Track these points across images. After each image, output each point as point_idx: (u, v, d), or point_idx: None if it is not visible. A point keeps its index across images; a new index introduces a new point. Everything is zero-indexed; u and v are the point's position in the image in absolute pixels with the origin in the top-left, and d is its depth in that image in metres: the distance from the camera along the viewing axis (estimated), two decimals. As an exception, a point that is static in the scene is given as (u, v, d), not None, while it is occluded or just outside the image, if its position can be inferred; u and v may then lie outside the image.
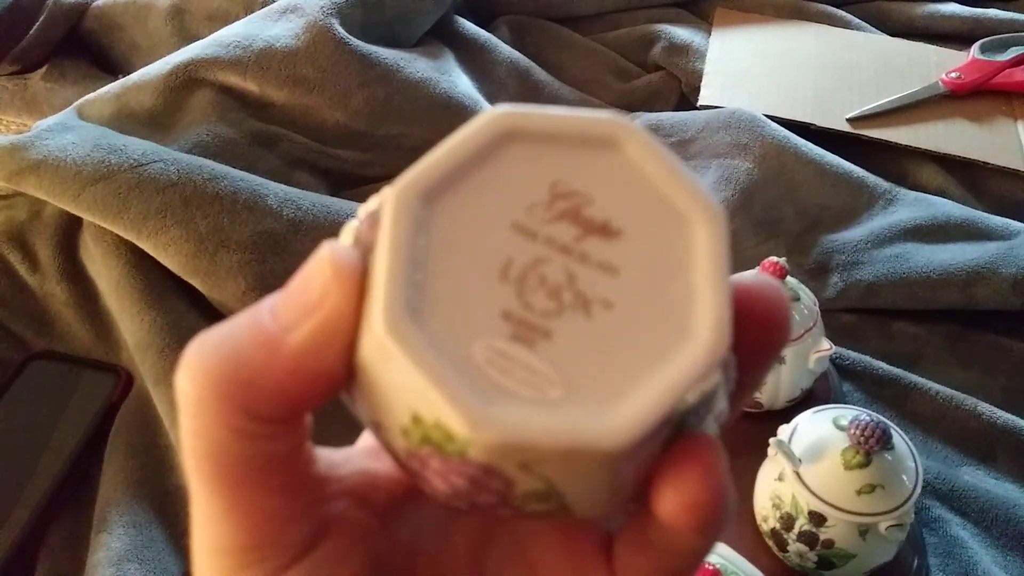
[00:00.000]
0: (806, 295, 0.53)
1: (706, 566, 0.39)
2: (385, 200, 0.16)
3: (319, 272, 0.15)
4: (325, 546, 0.17)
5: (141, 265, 0.58)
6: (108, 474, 0.53)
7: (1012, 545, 0.50)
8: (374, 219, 0.16)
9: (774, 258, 0.52)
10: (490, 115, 0.16)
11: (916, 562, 0.49)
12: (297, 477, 0.17)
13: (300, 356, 0.15)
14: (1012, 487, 0.53)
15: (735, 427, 0.58)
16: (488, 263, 0.15)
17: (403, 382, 0.15)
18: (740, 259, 0.64)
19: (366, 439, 0.20)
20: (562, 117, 0.16)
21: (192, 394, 0.16)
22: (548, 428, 0.14)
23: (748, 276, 0.16)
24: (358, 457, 0.20)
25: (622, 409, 0.14)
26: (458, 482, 0.15)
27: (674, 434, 0.15)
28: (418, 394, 0.14)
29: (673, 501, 0.15)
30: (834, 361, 0.59)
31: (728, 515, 0.15)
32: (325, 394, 0.16)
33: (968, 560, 0.49)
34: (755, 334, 0.16)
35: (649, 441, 0.14)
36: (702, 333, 0.15)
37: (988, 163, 0.71)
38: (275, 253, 0.58)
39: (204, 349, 0.16)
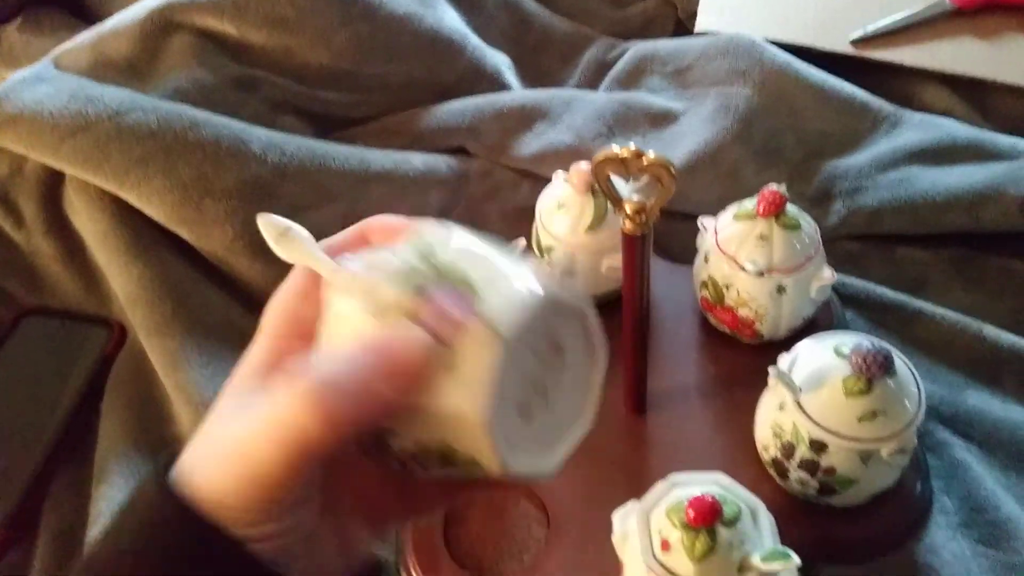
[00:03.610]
0: (807, 223, 0.52)
1: (705, 497, 0.38)
2: (478, 335, 0.24)
3: (414, 359, 0.24)
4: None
5: (126, 217, 0.57)
6: (106, 426, 0.53)
7: (1017, 466, 0.50)
8: (446, 316, 0.24)
9: (773, 186, 0.51)
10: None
11: (919, 486, 0.49)
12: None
13: (391, 407, 0.24)
14: (1018, 409, 0.52)
15: (736, 358, 0.58)
16: (522, 388, 0.27)
17: (468, 439, 0.25)
18: (740, 189, 0.62)
19: None
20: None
21: (314, 430, 0.24)
22: (528, 466, 0.27)
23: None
24: None
25: (555, 456, 0.28)
26: (438, 472, 0.27)
27: None
28: (474, 445, 0.25)
29: None
30: (837, 289, 0.58)
31: None
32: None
33: (972, 482, 0.49)
34: None
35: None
36: (586, 418, 0.29)
37: (997, 81, 0.69)
38: (261, 199, 0.57)
39: (325, 392, 0.24)
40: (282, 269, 0.58)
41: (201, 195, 0.55)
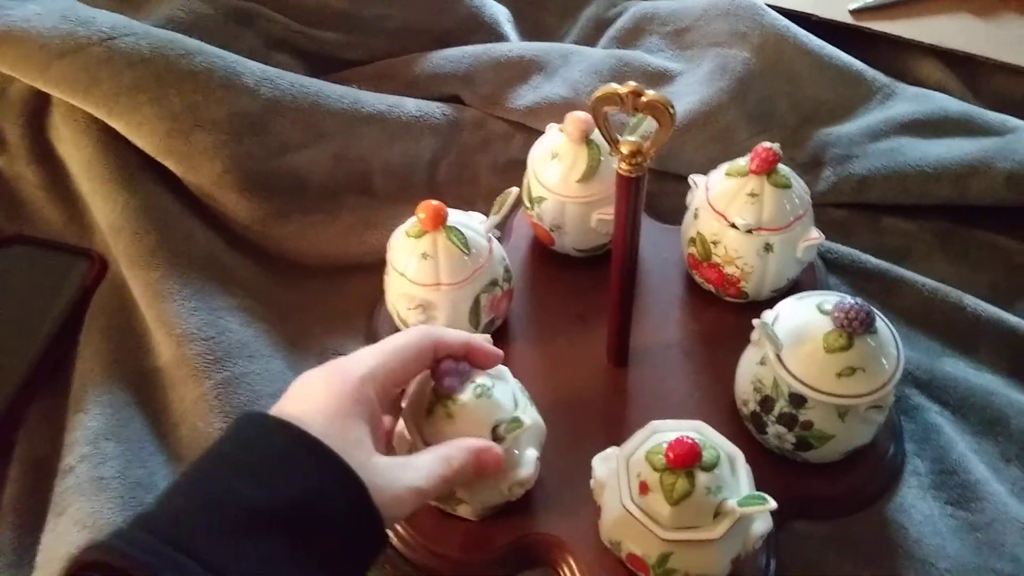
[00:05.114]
0: (797, 183, 0.52)
1: (685, 439, 0.39)
2: None
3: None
4: None
5: (113, 145, 0.56)
6: (84, 356, 0.52)
7: (986, 431, 0.51)
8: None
9: (767, 143, 0.51)
10: None
11: (892, 448, 0.50)
12: None
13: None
14: (992, 377, 0.53)
15: (719, 317, 0.58)
16: None
17: None
18: (732, 152, 0.62)
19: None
20: None
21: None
22: None
23: None
24: None
25: None
26: None
27: None
28: None
29: None
30: (822, 255, 0.59)
31: None
32: None
33: (944, 445, 0.50)
34: None
35: None
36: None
37: (991, 59, 0.69)
38: (252, 134, 0.56)
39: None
40: (268, 207, 0.58)
41: (191, 126, 0.54)
